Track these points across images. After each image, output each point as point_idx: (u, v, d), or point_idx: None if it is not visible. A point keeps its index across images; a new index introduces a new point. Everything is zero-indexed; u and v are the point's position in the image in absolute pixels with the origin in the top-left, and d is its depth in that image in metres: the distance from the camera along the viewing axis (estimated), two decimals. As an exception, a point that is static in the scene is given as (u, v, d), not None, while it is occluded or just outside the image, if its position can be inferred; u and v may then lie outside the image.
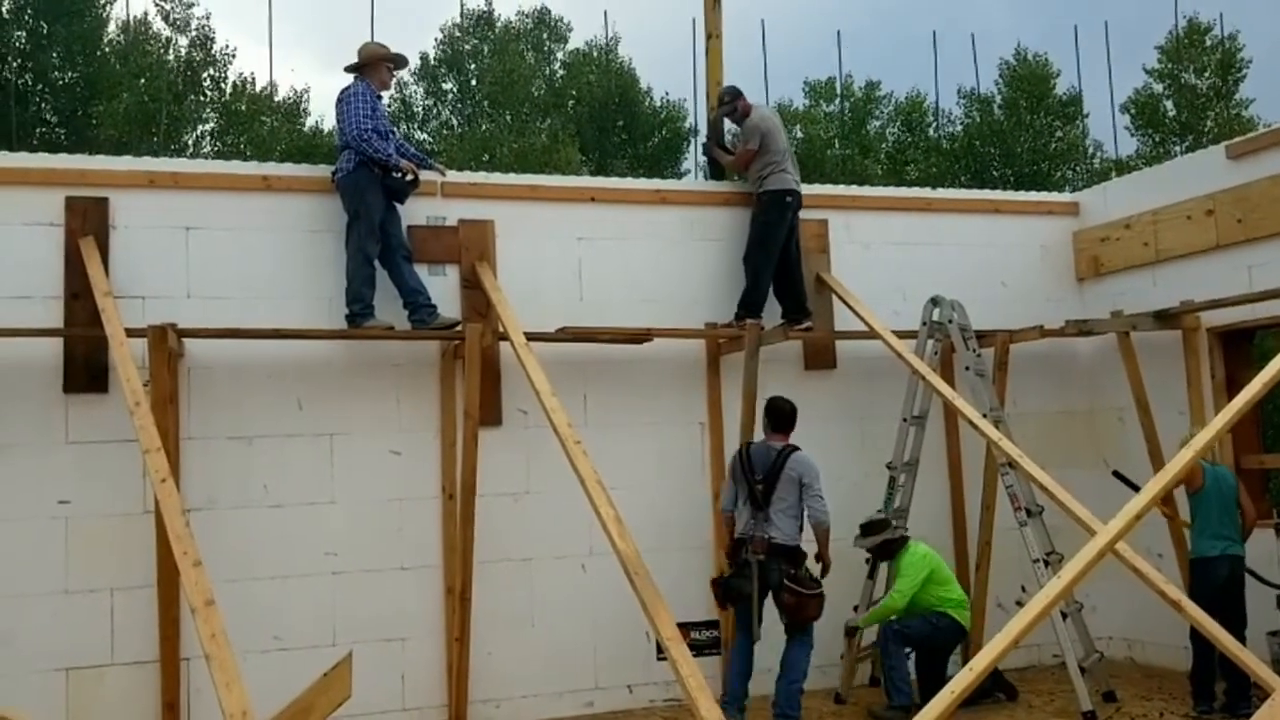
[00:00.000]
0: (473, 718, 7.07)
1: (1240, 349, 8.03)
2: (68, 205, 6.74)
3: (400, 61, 7.58)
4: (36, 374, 6.56)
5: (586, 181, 8.60)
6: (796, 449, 6.85)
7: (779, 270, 7.99)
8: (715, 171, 8.84)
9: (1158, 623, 7.75)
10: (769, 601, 6.66)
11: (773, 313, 7.98)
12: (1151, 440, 7.85)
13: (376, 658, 6.88)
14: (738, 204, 8.24)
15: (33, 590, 6.42)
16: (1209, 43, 30.63)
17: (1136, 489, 7.44)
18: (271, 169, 7.43)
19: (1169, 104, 30.96)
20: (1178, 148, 29.07)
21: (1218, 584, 6.70)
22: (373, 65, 7.33)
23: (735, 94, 8.40)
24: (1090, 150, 32.03)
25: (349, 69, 7.33)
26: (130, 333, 6.24)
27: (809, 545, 6.81)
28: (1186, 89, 30.50)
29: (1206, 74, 30.56)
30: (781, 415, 6.99)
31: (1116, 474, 7.84)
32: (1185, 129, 30.11)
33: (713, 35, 8.61)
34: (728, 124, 8.63)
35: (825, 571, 6.88)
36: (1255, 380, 5.86)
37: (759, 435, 7.46)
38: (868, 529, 7.53)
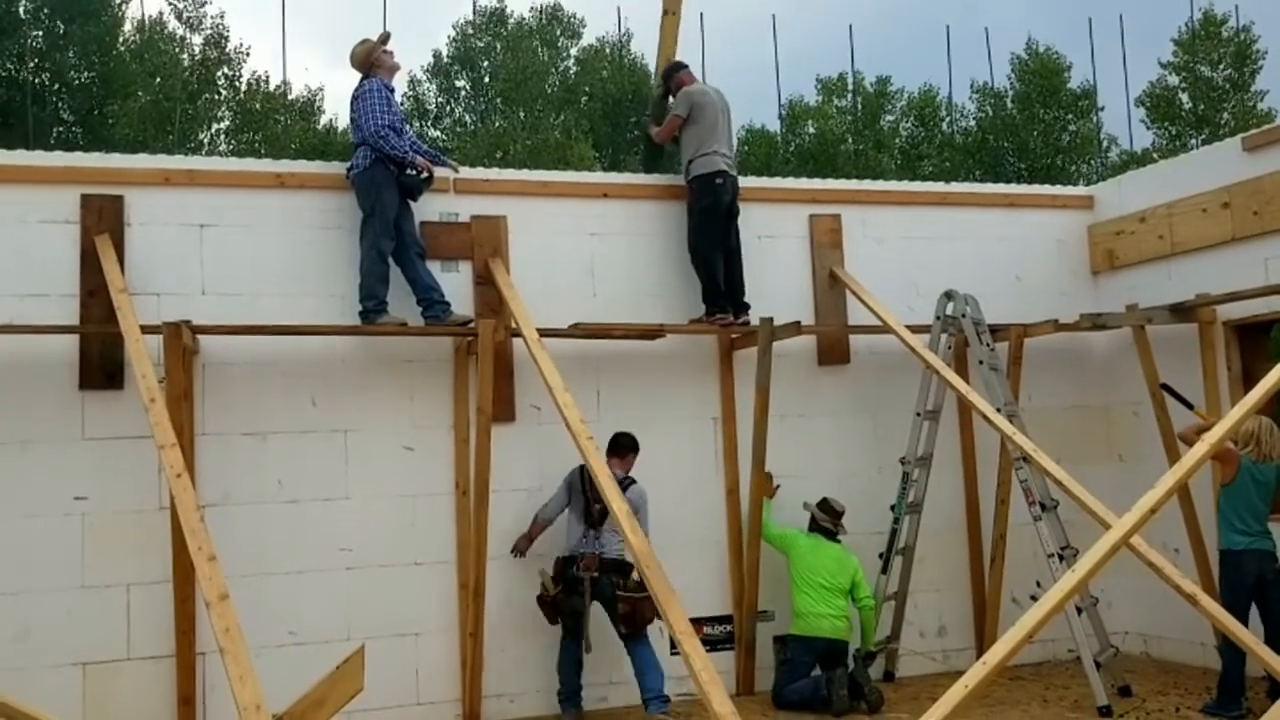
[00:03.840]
0: (486, 712, 7.10)
1: (1257, 342, 7.98)
2: (84, 203, 6.78)
3: (387, 39, 7.40)
4: (53, 370, 6.60)
5: (599, 177, 8.58)
6: (634, 481, 7.07)
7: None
8: (649, 158, 8.73)
9: (1174, 617, 7.73)
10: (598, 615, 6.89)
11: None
12: (1167, 434, 7.80)
13: (391, 652, 6.90)
14: (750, 199, 8.21)
15: (49, 585, 6.46)
16: (1224, 34, 30.44)
17: (1188, 404, 7.42)
18: (285, 166, 7.45)
19: (1184, 96, 30.79)
20: (1194, 140, 28.91)
21: (1247, 580, 6.61)
22: (377, 60, 7.31)
23: (677, 67, 8.25)
24: (1105, 144, 31.92)
25: (358, 68, 7.34)
26: (145, 329, 6.27)
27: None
28: (1202, 81, 30.33)
29: (1222, 66, 30.38)
30: (619, 445, 7.16)
31: (1164, 386, 7.76)
32: (1201, 122, 29.96)
33: (669, 12, 8.45)
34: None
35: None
36: (1272, 373, 5.84)
37: (773, 429, 7.47)
38: (831, 511, 7.62)
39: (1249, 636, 5.54)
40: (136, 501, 6.63)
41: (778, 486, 7.73)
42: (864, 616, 7.50)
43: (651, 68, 8.42)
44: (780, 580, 7.60)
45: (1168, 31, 31.60)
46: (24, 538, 6.47)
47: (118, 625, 6.56)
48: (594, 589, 6.81)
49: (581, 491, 7.00)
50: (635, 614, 6.78)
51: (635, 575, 6.78)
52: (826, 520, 7.62)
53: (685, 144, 7.90)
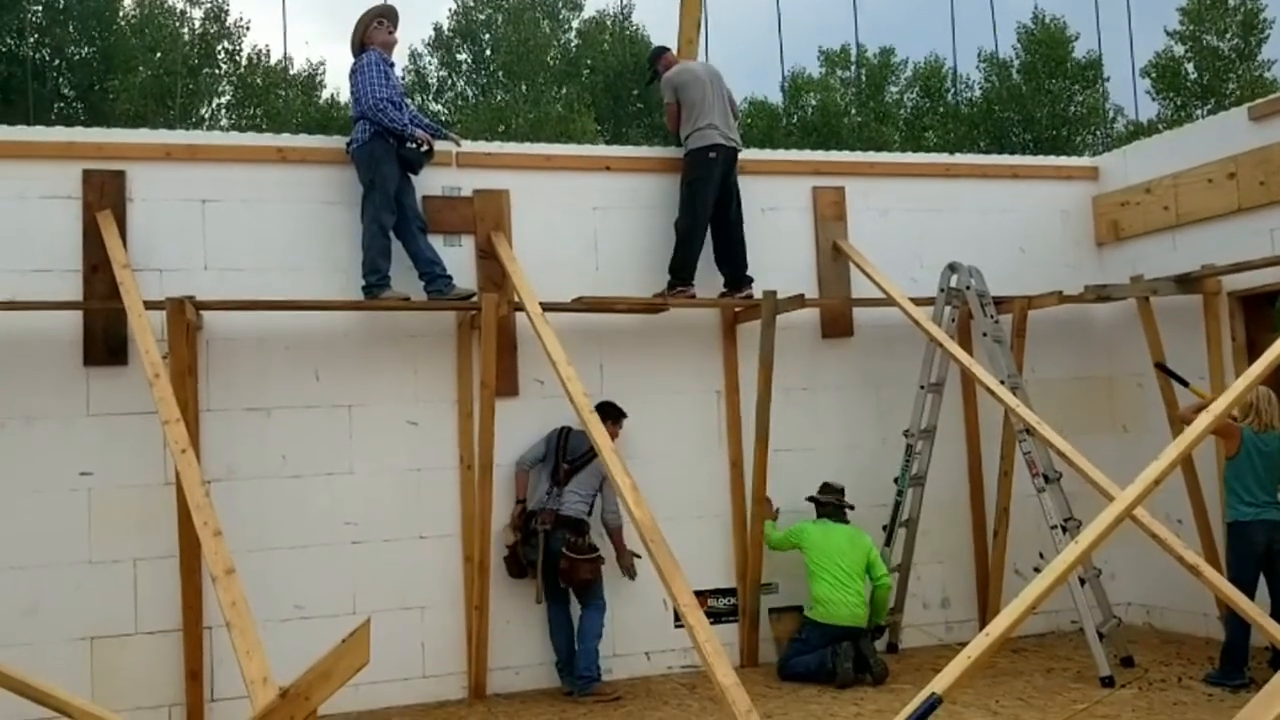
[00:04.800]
0: (492, 684, 7.14)
1: (1261, 313, 7.94)
2: (85, 178, 6.76)
3: (387, 12, 7.37)
4: (57, 346, 6.61)
5: (601, 150, 8.55)
6: None
7: (716, 234, 7.79)
8: (677, 138, 8.75)
9: (1176, 589, 7.75)
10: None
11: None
12: (1171, 406, 7.79)
13: (396, 626, 6.94)
14: (752, 172, 8.19)
15: (57, 560, 6.49)
16: (1231, 3, 30.20)
17: (1183, 383, 7.42)
18: (286, 140, 7.42)
19: (1190, 66, 30.60)
20: (1199, 111, 28.74)
21: (1256, 550, 6.61)
22: (369, 35, 7.27)
23: (659, 52, 8.18)
24: (1111, 114, 31.76)
25: (353, 50, 7.31)
26: (149, 305, 6.28)
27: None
28: (1208, 51, 30.12)
29: (1229, 35, 30.16)
30: (601, 414, 6.75)
31: (1160, 365, 7.76)
32: (1207, 92, 29.81)
33: None
34: None
35: (629, 571, 7.28)
36: (1276, 344, 5.81)
37: (776, 402, 7.47)
38: (831, 489, 7.66)
39: (1252, 607, 5.55)
40: (142, 477, 6.65)
41: (778, 510, 7.70)
42: (880, 595, 7.46)
43: (655, 41, 8.38)
44: (782, 552, 7.61)
45: (1173, 1, 31.36)
46: (31, 513, 6.49)
47: (125, 600, 6.59)
48: (546, 542, 6.96)
49: (555, 451, 7.22)
50: (571, 571, 6.95)
51: (589, 538, 7.09)
52: (830, 497, 7.61)
53: (683, 123, 7.88)
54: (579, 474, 7.14)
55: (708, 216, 7.69)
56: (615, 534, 7.25)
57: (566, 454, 7.20)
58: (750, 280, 7.80)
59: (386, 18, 7.35)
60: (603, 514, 7.24)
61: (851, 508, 7.70)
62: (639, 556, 7.14)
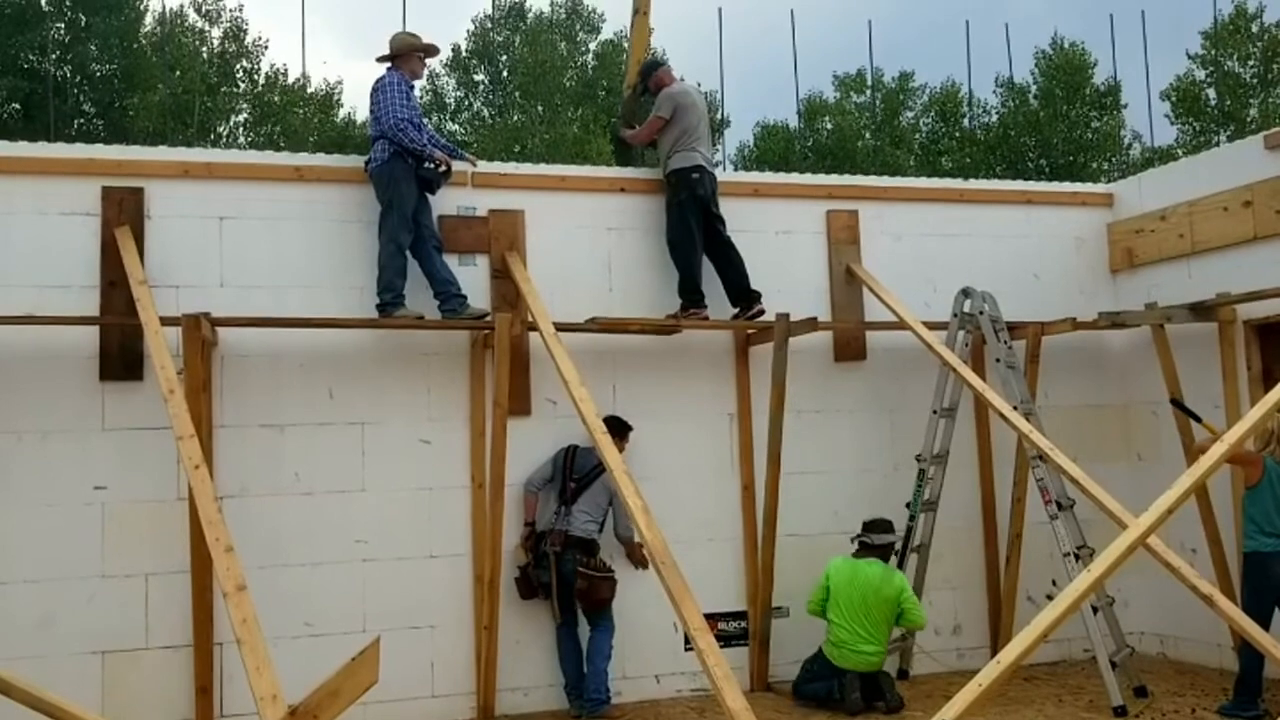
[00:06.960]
0: (501, 705, 7.12)
1: (1277, 342, 7.91)
2: (104, 195, 6.82)
3: (431, 51, 7.54)
4: (74, 362, 6.65)
5: (616, 172, 8.55)
6: None
7: (715, 257, 7.77)
8: (621, 153, 8.68)
9: (1190, 618, 7.69)
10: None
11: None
12: (1185, 434, 7.76)
13: (406, 645, 6.93)
14: (767, 195, 8.22)
15: (70, 574, 6.52)
16: (1255, 29, 30.14)
17: (1196, 418, 7.38)
18: (303, 159, 7.48)
19: (1210, 92, 30.52)
20: (1219, 136, 28.68)
21: (1273, 584, 6.53)
22: (405, 55, 7.36)
23: (656, 65, 8.22)
24: (1128, 140, 31.68)
25: (381, 59, 7.37)
26: (165, 321, 6.31)
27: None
28: (1229, 76, 30.05)
29: (1251, 62, 30.10)
30: (609, 428, 6.70)
31: (1174, 401, 7.72)
32: (1227, 118, 29.70)
33: (639, 11, 8.42)
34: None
35: (641, 562, 7.34)
36: (1292, 373, 5.80)
37: (789, 425, 7.47)
38: (877, 526, 7.44)
39: (1266, 638, 5.51)
40: (155, 492, 6.68)
41: (786, 608, 7.68)
42: (906, 628, 7.42)
43: (672, 64, 8.36)
44: (794, 575, 7.58)
45: (1189, 27, 31.35)
46: (45, 527, 6.52)
47: (136, 614, 6.61)
48: (557, 564, 6.95)
49: (562, 470, 7.23)
50: (590, 591, 6.94)
51: (600, 557, 7.09)
52: (876, 538, 7.35)
53: (662, 141, 7.88)
54: (586, 491, 7.13)
55: (700, 231, 7.68)
56: (629, 544, 7.30)
57: (573, 472, 7.20)
58: (759, 295, 7.78)
59: (429, 55, 7.52)
60: (615, 530, 7.24)
61: (898, 552, 7.58)
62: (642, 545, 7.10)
